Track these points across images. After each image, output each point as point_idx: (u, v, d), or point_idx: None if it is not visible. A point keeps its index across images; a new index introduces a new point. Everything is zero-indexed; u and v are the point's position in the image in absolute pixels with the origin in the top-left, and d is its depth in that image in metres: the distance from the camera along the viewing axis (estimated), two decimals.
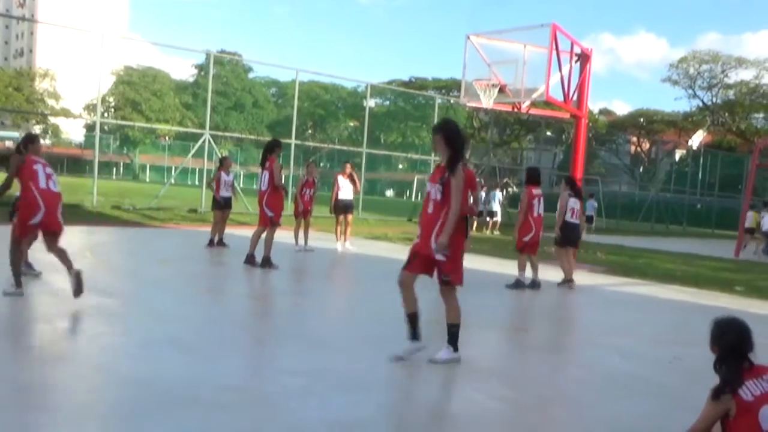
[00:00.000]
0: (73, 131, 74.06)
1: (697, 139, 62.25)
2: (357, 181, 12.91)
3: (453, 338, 4.94)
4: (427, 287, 5.10)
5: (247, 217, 18.34)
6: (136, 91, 61.72)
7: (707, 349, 3.20)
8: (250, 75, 72.42)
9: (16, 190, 6.21)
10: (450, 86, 49.01)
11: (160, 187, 22.68)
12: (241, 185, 31.91)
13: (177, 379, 4.13)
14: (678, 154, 54.63)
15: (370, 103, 45.95)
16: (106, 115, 56.33)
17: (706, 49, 60.74)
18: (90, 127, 59.38)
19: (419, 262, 4.84)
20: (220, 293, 7.79)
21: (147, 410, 3.56)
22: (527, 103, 17.84)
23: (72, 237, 11.31)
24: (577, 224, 9.82)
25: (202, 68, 66.86)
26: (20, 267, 6.22)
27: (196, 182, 48.01)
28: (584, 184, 21.38)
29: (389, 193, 71.60)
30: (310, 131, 68.74)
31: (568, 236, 9.69)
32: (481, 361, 5.26)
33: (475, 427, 3.76)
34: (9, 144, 45.43)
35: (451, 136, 4.91)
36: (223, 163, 12.22)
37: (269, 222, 9.29)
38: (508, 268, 10.30)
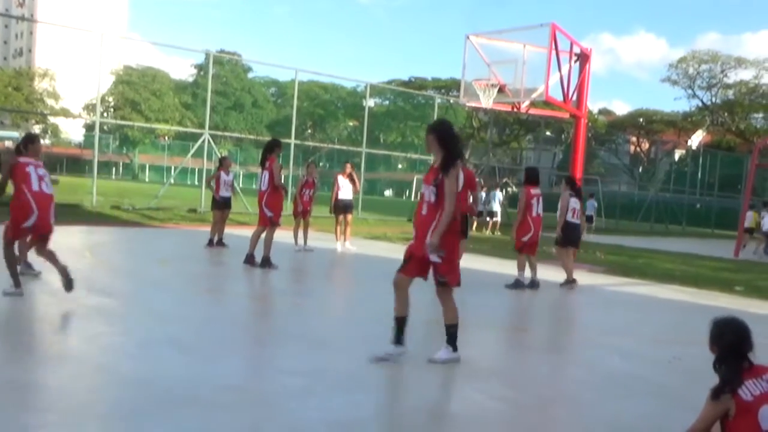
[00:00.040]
0: (72, 131, 74.12)
1: (697, 139, 62.27)
2: (357, 180, 12.91)
3: (452, 338, 4.94)
4: (423, 288, 5.10)
5: (246, 217, 18.34)
6: (135, 91, 61.71)
7: (707, 349, 3.20)
8: (250, 75, 72.45)
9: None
10: (449, 86, 48.95)
11: (160, 187, 22.68)
12: (241, 185, 31.89)
13: (177, 379, 4.14)
14: (677, 154, 54.66)
15: (370, 102, 45.98)
16: (105, 114, 56.33)
17: (705, 49, 60.75)
18: (89, 127, 59.37)
19: (414, 264, 4.81)
20: (219, 293, 7.79)
21: (147, 410, 3.56)
22: (527, 103, 17.83)
23: (72, 237, 11.32)
24: (578, 224, 9.83)
25: (201, 68, 66.87)
26: (17, 267, 6.22)
27: (196, 182, 48.02)
28: (584, 184, 21.37)
29: (388, 192, 71.62)
30: (309, 131, 68.75)
31: (569, 236, 9.70)
32: (481, 361, 5.26)
33: (475, 427, 3.76)
34: (9, 144, 45.34)
35: (445, 137, 4.86)
36: (223, 163, 12.22)
37: (269, 222, 9.29)
38: (508, 268, 10.30)
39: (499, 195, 22.14)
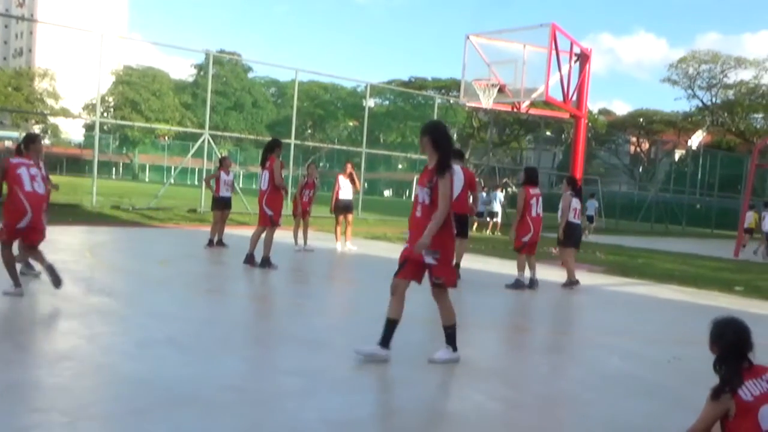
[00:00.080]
0: (72, 131, 74.15)
1: (697, 139, 62.29)
2: (357, 180, 12.92)
3: (450, 339, 4.94)
4: (423, 288, 5.09)
5: (246, 217, 18.34)
6: (135, 91, 61.72)
7: (706, 349, 3.20)
8: (250, 75, 72.42)
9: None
10: (450, 86, 48.94)
11: (160, 187, 22.67)
12: (241, 185, 31.90)
13: (177, 379, 4.14)
14: (677, 154, 54.65)
15: (370, 102, 45.93)
16: (105, 115, 56.34)
17: (705, 49, 60.71)
18: (89, 127, 59.35)
19: (410, 267, 4.78)
20: (219, 293, 7.79)
21: (147, 410, 3.56)
22: (527, 103, 17.82)
23: (72, 237, 11.32)
24: (579, 224, 9.84)
25: (201, 68, 66.87)
26: (15, 267, 6.22)
27: (196, 182, 47.98)
28: (584, 185, 21.38)
29: (388, 192, 71.62)
30: (309, 131, 68.65)
31: (571, 236, 9.70)
32: (481, 361, 5.26)
33: (475, 427, 3.76)
34: (9, 144, 45.36)
35: (439, 139, 4.83)
36: (223, 163, 12.21)
37: (269, 222, 9.29)
38: (508, 268, 10.30)
39: (500, 195, 22.14)
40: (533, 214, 9.20)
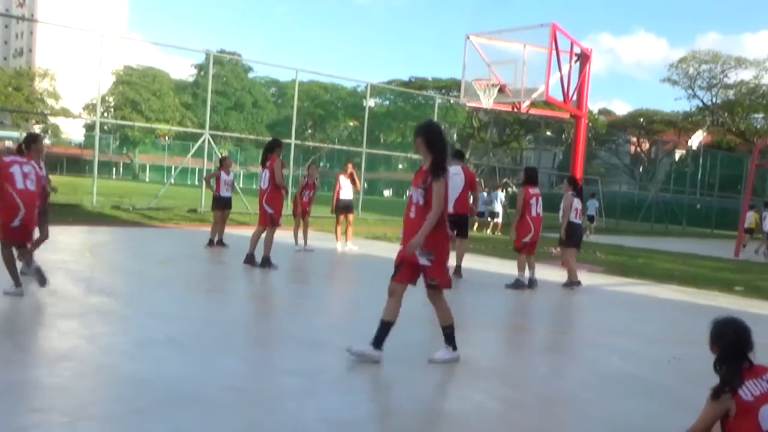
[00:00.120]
0: (72, 131, 74.18)
1: (697, 139, 62.27)
2: (357, 180, 12.92)
3: (449, 338, 4.93)
4: (419, 289, 5.08)
5: (246, 217, 18.34)
6: (135, 91, 61.71)
7: (706, 349, 3.20)
8: (250, 75, 72.41)
9: None
10: (450, 86, 48.91)
11: (160, 187, 22.67)
12: (241, 185, 31.89)
13: (177, 379, 4.14)
14: (678, 154, 54.60)
15: (370, 102, 45.89)
16: (105, 115, 56.35)
17: (705, 49, 60.71)
18: (90, 127, 59.36)
19: (406, 269, 4.76)
20: (219, 293, 7.79)
21: (147, 410, 3.56)
22: (527, 103, 17.81)
23: (72, 237, 11.33)
24: (580, 224, 9.83)
25: (201, 68, 66.86)
26: (15, 267, 6.22)
27: (196, 182, 47.95)
28: (584, 184, 21.38)
29: (387, 192, 71.62)
30: (309, 131, 68.65)
31: (573, 236, 9.69)
32: (481, 361, 5.26)
33: (474, 427, 3.76)
34: (9, 144, 45.37)
35: (433, 140, 4.79)
36: (224, 163, 12.22)
37: (269, 221, 9.29)
38: (508, 268, 10.30)
39: (501, 196, 22.14)
40: (533, 213, 9.20)
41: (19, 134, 43.39)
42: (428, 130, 4.88)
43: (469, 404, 4.18)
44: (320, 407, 3.83)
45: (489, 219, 21.44)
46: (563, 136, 57.42)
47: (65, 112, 59.85)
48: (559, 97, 16.86)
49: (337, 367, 4.68)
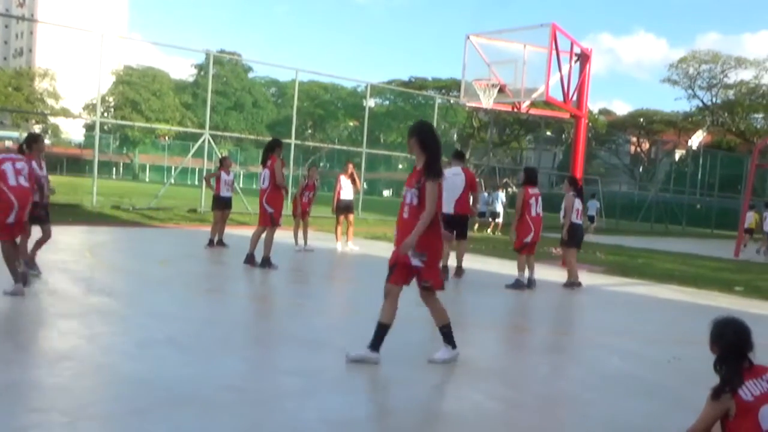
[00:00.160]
0: (72, 131, 74.14)
1: (697, 139, 62.28)
2: (357, 180, 12.93)
3: (447, 337, 4.93)
4: (411, 291, 5.08)
5: (246, 217, 18.34)
6: (135, 91, 61.70)
7: (706, 349, 3.20)
8: (250, 75, 72.39)
9: None
10: (450, 86, 48.92)
11: (160, 187, 22.67)
12: (241, 185, 31.91)
13: (177, 379, 4.14)
14: (678, 154, 54.60)
15: (370, 103, 45.89)
16: (105, 114, 56.35)
17: (705, 49, 60.71)
18: (90, 127, 59.38)
19: (399, 271, 4.73)
20: (220, 293, 7.79)
21: (147, 410, 3.56)
22: (527, 103, 17.77)
23: (72, 237, 11.33)
24: (581, 224, 9.84)
25: (201, 68, 66.84)
26: (15, 263, 6.21)
27: (196, 182, 47.95)
28: (584, 185, 21.39)
29: (387, 192, 71.61)
30: (309, 131, 68.64)
31: (574, 236, 9.69)
32: (481, 361, 5.26)
33: (474, 427, 3.76)
34: (9, 143, 45.37)
35: (426, 140, 4.77)
36: (224, 163, 12.22)
37: (269, 221, 9.29)
38: (508, 268, 10.30)
39: (501, 196, 22.15)
40: (533, 213, 9.20)
41: (19, 134, 43.42)
42: (421, 131, 4.86)
43: (468, 404, 4.18)
44: (320, 407, 3.83)
45: (490, 219, 21.45)
46: (563, 136, 57.39)
47: (65, 112, 59.85)
48: (559, 97, 16.84)
49: (337, 367, 4.68)
